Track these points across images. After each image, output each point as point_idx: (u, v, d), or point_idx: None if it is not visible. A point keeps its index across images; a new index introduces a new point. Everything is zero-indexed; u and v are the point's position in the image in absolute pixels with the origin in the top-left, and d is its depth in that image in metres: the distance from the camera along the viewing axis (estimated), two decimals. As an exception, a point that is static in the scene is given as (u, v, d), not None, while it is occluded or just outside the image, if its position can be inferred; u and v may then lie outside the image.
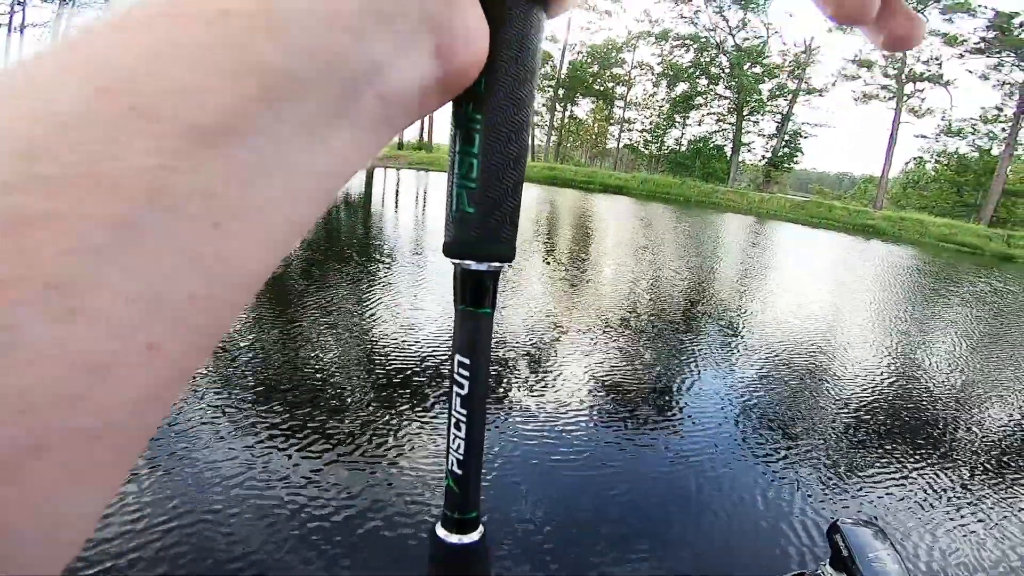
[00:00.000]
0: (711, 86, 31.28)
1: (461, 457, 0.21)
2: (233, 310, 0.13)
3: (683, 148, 32.77)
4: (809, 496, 2.75)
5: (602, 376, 3.84)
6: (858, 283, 8.87)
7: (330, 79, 0.14)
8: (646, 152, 35.48)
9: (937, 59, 25.78)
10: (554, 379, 3.62)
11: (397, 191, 12.56)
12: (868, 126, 49.73)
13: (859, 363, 4.83)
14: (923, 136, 28.50)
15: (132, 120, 0.11)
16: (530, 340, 4.12)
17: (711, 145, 31.63)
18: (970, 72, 24.68)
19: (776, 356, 4.68)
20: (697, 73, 31.01)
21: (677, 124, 33.24)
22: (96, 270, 0.10)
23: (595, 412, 3.37)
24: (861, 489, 2.86)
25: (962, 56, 24.16)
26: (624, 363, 4.18)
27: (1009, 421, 4.00)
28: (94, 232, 0.10)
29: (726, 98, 30.91)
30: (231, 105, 0.12)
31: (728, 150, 30.88)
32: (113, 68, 0.11)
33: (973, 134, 25.70)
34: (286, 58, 0.13)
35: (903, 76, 26.46)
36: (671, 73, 31.70)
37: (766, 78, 29.56)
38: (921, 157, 29.43)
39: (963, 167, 26.16)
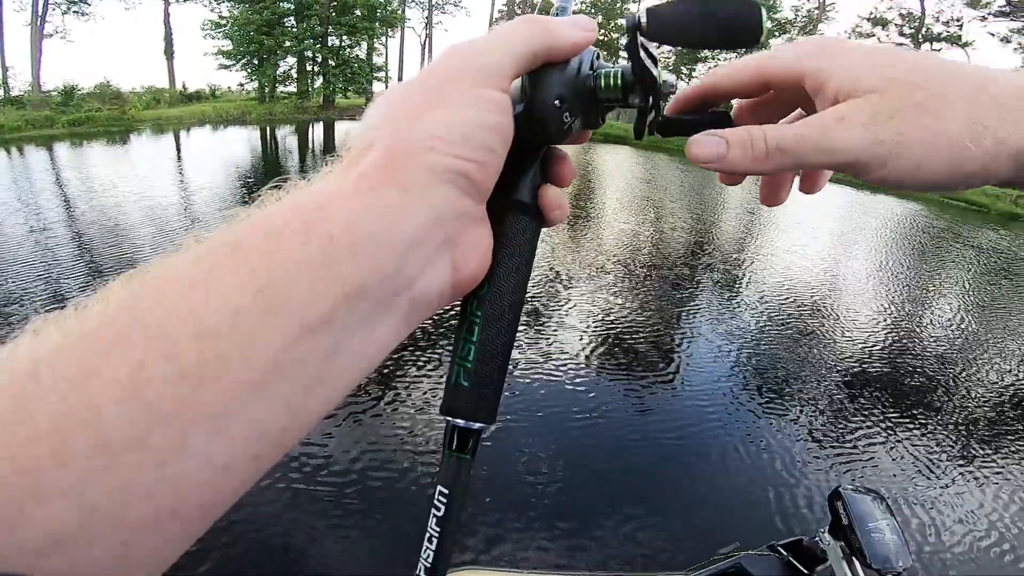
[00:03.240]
0: (719, 39, 30.19)
1: (429, 565, 0.25)
2: (299, 437, 0.19)
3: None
4: (814, 458, 2.54)
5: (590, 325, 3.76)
6: (856, 235, 8.74)
7: (382, 288, 0.20)
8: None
9: (958, 20, 24.70)
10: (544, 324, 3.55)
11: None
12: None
13: (860, 321, 4.59)
14: (936, 99, 27.51)
15: (270, 317, 0.17)
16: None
17: (716, 100, 30.88)
18: (992, 35, 23.70)
19: (774, 313, 4.43)
20: (706, 25, 29.81)
21: (683, 77, 32.18)
22: (235, 411, 0.16)
23: (597, 362, 3.33)
24: (860, 452, 2.66)
25: (984, 19, 23.15)
26: (616, 314, 4.14)
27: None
28: (238, 390, 0.16)
29: (734, 52, 29.81)
30: (327, 306, 0.18)
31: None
32: (264, 274, 0.17)
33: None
34: (359, 274, 0.19)
35: (920, 36, 25.45)
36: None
37: (777, 33, 28.40)
38: (931, 121, 28.75)
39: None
